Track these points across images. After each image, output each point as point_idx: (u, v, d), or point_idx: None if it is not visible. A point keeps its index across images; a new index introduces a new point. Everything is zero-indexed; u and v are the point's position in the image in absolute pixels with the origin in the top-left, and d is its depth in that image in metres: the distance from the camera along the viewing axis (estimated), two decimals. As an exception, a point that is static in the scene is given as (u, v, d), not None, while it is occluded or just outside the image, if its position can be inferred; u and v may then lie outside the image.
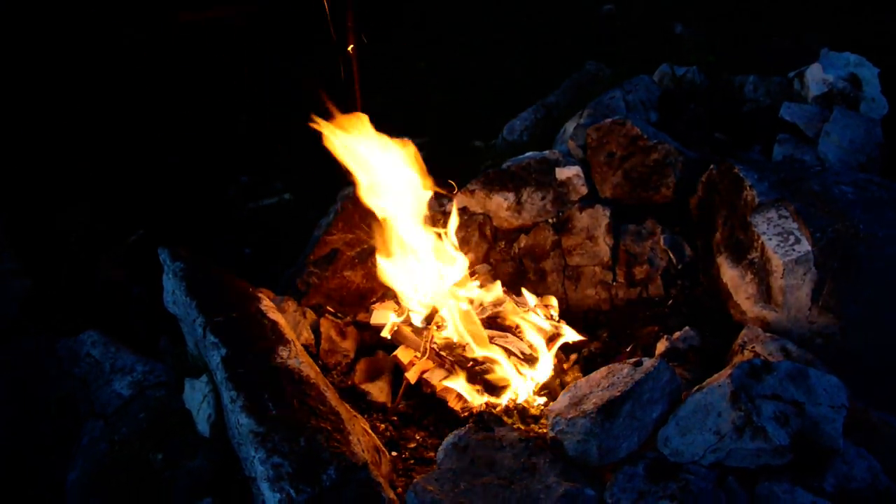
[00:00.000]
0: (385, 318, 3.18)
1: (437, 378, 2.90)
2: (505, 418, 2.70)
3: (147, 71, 5.69)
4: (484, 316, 3.08)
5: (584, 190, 3.52)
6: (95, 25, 5.55)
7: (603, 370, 2.40)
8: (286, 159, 5.36)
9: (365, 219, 3.85)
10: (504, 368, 2.87)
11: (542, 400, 2.91)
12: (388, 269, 3.11)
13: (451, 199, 3.71)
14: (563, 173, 3.53)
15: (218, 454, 2.45)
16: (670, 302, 3.30)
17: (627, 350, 3.08)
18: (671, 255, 3.34)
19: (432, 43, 6.61)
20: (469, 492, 2.09)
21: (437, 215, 3.67)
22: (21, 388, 2.96)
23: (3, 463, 2.71)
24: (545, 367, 2.97)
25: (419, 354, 2.98)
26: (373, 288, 3.55)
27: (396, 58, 6.41)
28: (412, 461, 2.61)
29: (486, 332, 2.98)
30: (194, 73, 5.94)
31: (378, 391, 2.96)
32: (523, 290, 3.27)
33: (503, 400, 2.83)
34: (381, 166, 3.04)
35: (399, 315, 3.13)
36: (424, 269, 3.14)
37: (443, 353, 2.94)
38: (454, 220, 3.27)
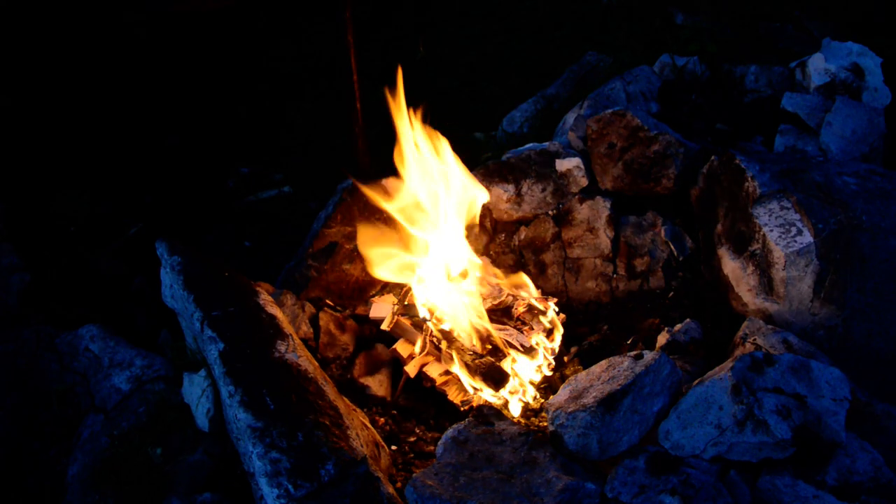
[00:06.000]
0: (384, 311, 3.17)
1: (436, 372, 2.89)
2: (504, 412, 2.69)
3: (146, 60, 5.66)
4: (485, 308, 3.07)
5: (584, 182, 3.50)
6: (94, 10, 5.51)
7: (603, 363, 2.39)
8: (286, 151, 5.34)
9: (364, 211, 3.83)
10: (503, 362, 2.85)
11: (535, 393, 2.90)
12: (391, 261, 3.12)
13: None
14: (563, 165, 3.51)
15: (217, 449, 2.45)
16: (671, 294, 3.28)
17: (628, 343, 3.07)
18: (672, 247, 3.33)
19: (431, 32, 6.56)
20: (469, 486, 2.08)
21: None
22: (22, 379, 2.95)
23: (4, 453, 2.70)
24: (544, 361, 2.95)
25: (418, 348, 2.98)
26: (372, 281, 3.53)
27: (395, 48, 6.37)
28: (412, 455, 2.60)
29: (485, 326, 2.97)
30: (193, 63, 5.92)
31: (377, 385, 2.95)
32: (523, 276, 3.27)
33: (503, 393, 2.82)
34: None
35: (398, 308, 3.12)
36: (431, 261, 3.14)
37: (442, 346, 2.93)
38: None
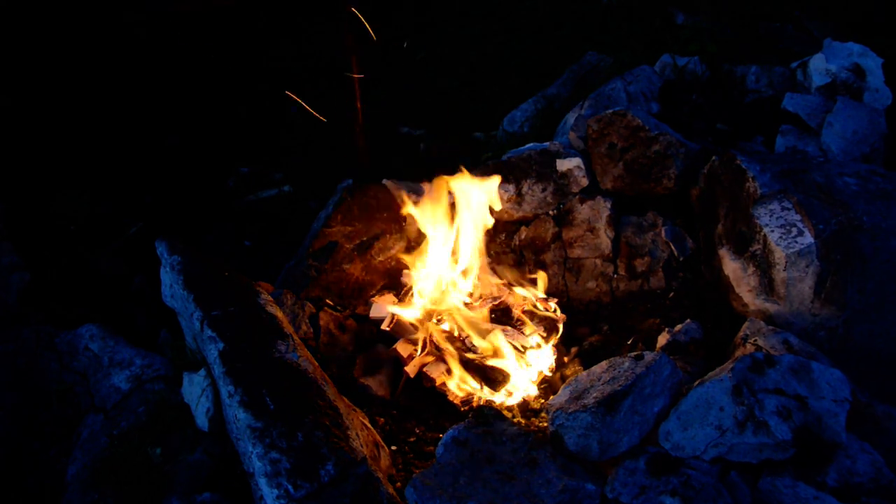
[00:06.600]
0: (384, 311, 3.16)
1: (436, 372, 2.89)
2: (505, 412, 2.69)
3: (146, 60, 5.65)
4: (485, 308, 3.06)
5: (584, 182, 3.50)
6: (94, 10, 5.51)
7: (604, 364, 2.39)
8: (286, 151, 5.34)
9: (364, 211, 3.83)
10: (504, 362, 2.85)
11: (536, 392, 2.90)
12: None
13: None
14: (563, 165, 3.51)
15: (217, 449, 2.44)
16: (672, 294, 3.28)
17: (629, 343, 3.07)
18: (672, 248, 3.32)
19: (431, 33, 6.56)
20: (469, 486, 2.07)
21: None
22: (22, 378, 2.95)
23: (4, 453, 2.70)
24: (545, 361, 2.95)
25: (418, 348, 2.97)
26: (372, 281, 3.53)
27: (395, 48, 6.37)
28: (412, 455, 2.60)
29: (485, 326, 2.96)
30: (193, 63, 5.91)
31: (377, 385, 2.95)
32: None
33: (502, 393, 2.82)
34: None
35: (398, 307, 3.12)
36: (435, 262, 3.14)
37: (442, 346, 2.93)
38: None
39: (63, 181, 4.55)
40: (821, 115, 3.67)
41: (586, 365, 2.90)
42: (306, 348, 2.60)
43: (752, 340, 2.60)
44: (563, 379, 2.93)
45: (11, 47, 5.14)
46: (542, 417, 2.74)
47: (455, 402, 2.83)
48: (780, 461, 2.08)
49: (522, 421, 2.73)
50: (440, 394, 2.88)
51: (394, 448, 2.62)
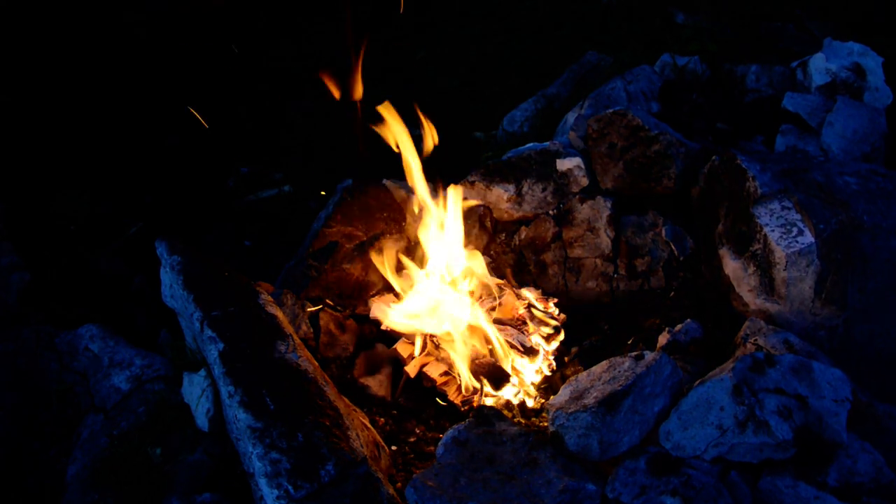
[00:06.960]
0: (384, 311, 3.16)
1: (436, 372, 2.89)
2: (505, 412, 2.69)
3: (146, 60, 5.65)
4: (484, 309, 3.06)
5: (585, 181, 3.50)
6: (94, 10, 5.51)
7: (604, 364, 2.39)
8: (286, 151, 5.33)
9: (364, 211, 3.83)
10: (503, 362, 2.85)
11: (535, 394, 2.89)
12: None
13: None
14: (563, 164, 3.51)
15: (217, 449, 2.44)
16: (672, 294, 3.27)
17: (629, 343, 3.07)
18: (673, 247, 3.32)
19: (431, 32, 6.56)
20: (469, 487, 2.07)
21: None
22: (22, 378, 2.95)
23: (4, 453, 2.70)
24: (545, 361, 2.95)
25: (418, 348, 2.97)
26: (372, 281, 3.53)
27: (395, 47, 6.36)
28: (412, 455, 2.60)
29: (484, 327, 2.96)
30: (193, 63, 5.91)
31: (377, 385, 2.95)
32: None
33: (502, 394, 2.82)
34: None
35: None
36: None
37: (442, 346, 2.93)
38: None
39: (63, 181, 4.55)
40: (821, 115, 3.66)
41: (586, 365, 2.90)
42: (306, 348, 2.60)
43: (752, 340, 2.60)
44: (563, 379, 2.92)
45: (11, 46, 5.14)
46: (543, 417, 2.74)
47: (455, 401, 2.83)
48: (780, 461, 2.07)
49: (523, 421, 2.73)
50: (440, 394, 2.88)
51: (394, 448, 2.62)
